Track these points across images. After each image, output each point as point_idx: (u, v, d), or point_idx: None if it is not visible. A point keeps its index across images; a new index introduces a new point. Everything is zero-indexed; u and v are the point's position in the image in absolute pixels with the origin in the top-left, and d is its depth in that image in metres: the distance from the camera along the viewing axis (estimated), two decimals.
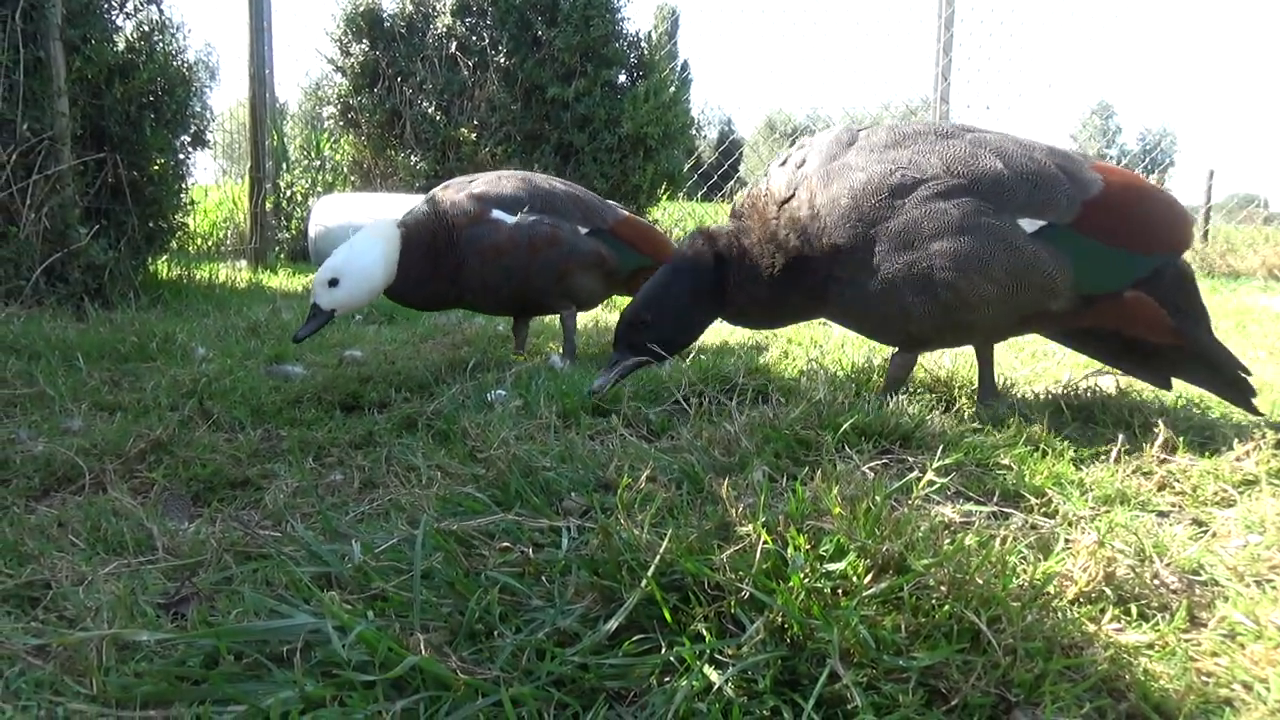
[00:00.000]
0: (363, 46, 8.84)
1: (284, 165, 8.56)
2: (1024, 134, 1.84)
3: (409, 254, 2.48)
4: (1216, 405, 1.95)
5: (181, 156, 4.81)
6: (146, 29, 4.48)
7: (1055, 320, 1.82)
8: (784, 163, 1.91)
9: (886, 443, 1.56)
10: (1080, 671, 0.87)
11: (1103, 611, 0.98)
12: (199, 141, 4.96)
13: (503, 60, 8.31)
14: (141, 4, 4.48)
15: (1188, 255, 1.84)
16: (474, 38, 8.53)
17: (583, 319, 3.43)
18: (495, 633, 0.91)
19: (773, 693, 0.83)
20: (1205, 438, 1.65)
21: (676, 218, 8.63)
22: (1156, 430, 1.55)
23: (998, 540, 1.04)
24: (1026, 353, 2.81)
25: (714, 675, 0.83)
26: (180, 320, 3.41)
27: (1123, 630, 0.96)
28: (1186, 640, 0.96)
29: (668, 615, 0.92)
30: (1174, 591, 1.06)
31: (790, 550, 0.98)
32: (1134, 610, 1.01)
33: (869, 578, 0.94)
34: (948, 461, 1.39)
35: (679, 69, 10.09)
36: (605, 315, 3.80)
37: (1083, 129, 43.10)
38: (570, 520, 1.17)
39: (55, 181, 3.83)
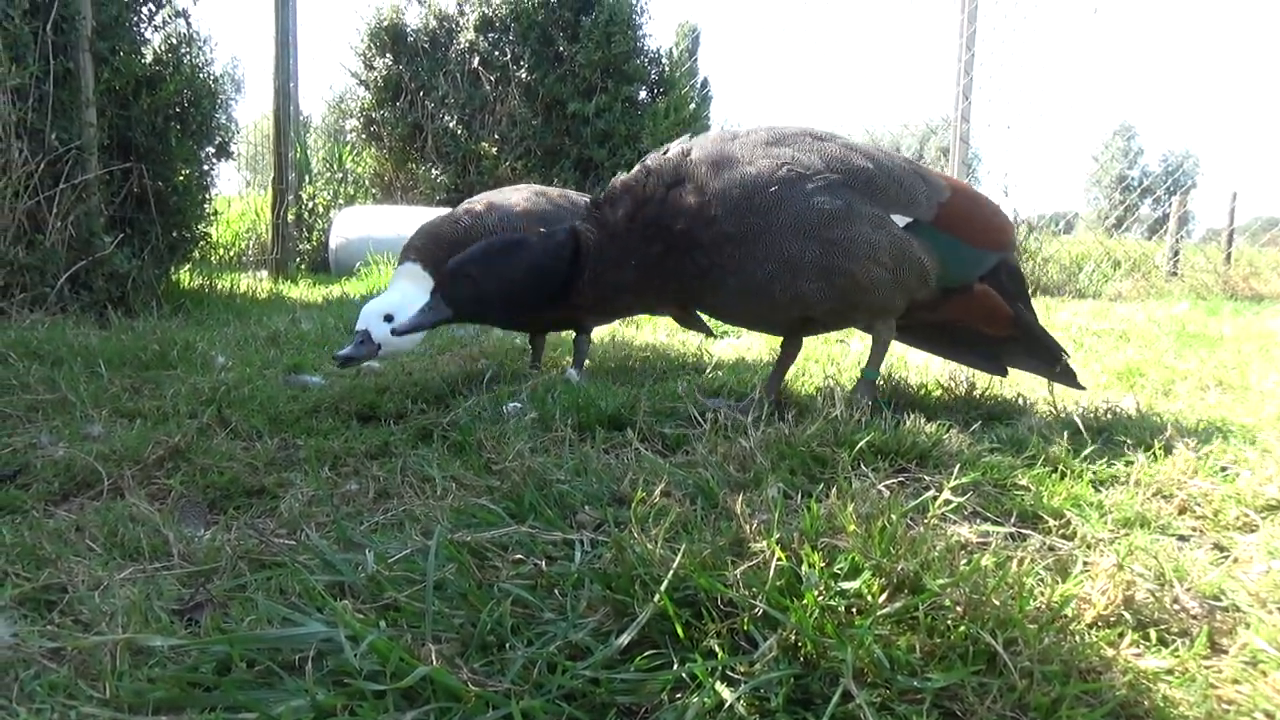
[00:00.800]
0: (386, 61, 8.96)
1: (306, 177, 8.66)
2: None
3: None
4: (1238, 430, 1.92)
5: (206, 167, 4.89)
6: (174, 42, 4.56)
7: (920, 310, 1.98)
8: (666, 153, 1.92)
9: (903, 461, 1.55)
10: (1098, 696, 0.85)
11: (1121, 636, 0.97)
12: (223, 153, 5.04)
13: (524, 75, 8.39)
14: (170, 17, 4.56)
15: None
16: (496, 53, 8.62)
17: (600, 334, 3.44)
18: (507, 645, 0.91)
19: (785, 711, 0.82)
20: (1228, 461, 1.63)
21: None
22: (1177, 453, 1.54)
23: (1015, 561, 1.03)
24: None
25: (726, 692, 0.82)
26: (201, 329, 3.44)
27: (1142, 655, 0.95)
28: (1207, 667, 0.95)
29: (680, 631, 0.91)
30: (1194, 617, 1.04)
31: (804, 568, 0.97)
32: (1153, 635, 0.99)
33: (884, 597, 0.93)
34: (964, 481, 1.38)
35: (699, 85, 10.14)
36: (622, 330, 3.80)
37: (1105, 150, 42.92)
38: (584, 534, 1.17)
39: (81, 191, 3.89)
